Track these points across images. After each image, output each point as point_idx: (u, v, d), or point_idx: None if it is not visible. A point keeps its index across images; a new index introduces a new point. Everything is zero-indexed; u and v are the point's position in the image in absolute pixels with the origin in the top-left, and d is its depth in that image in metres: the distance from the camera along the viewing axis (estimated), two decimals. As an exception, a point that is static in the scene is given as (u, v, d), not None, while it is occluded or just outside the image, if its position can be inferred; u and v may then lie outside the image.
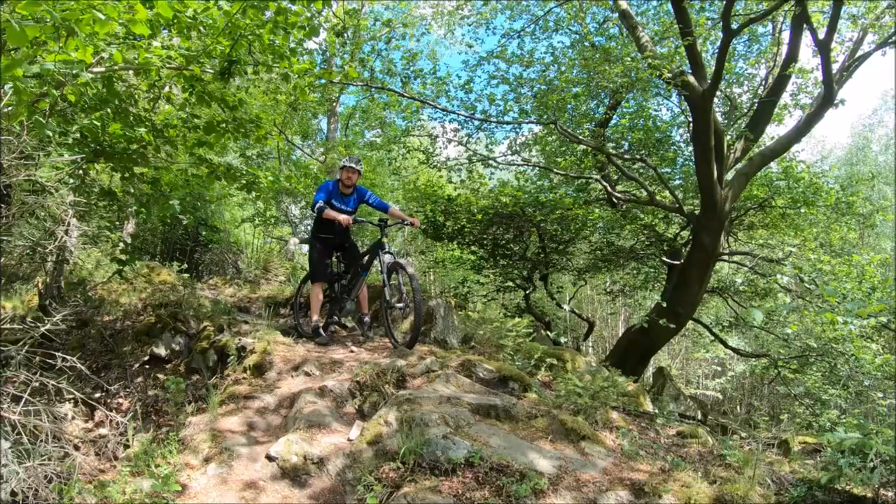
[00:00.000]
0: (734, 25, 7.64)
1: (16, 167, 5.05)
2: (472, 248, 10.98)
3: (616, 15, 10.89)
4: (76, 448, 6.20)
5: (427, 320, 7.63)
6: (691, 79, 8.46)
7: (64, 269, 9.36)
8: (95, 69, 5.03)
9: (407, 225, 7.54)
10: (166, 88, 6.45)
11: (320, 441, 4.47)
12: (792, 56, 9.45)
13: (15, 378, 7.07)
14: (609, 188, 10.52)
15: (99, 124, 5.44)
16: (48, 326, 5.57)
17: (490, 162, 11.47)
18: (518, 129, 11.50)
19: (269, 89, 9.99)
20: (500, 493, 3.54)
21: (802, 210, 10.23)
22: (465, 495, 3.52)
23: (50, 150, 5.84)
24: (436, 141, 11.62)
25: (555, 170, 10.56)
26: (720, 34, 8.43)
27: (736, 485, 3.84)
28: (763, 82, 11.15)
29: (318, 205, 7.21)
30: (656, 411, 6.57)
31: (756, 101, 10.71)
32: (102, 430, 6.49)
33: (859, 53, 9.76)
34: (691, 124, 9.68)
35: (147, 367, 7.40)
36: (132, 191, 6.98)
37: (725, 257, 10.98)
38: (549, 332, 9.83)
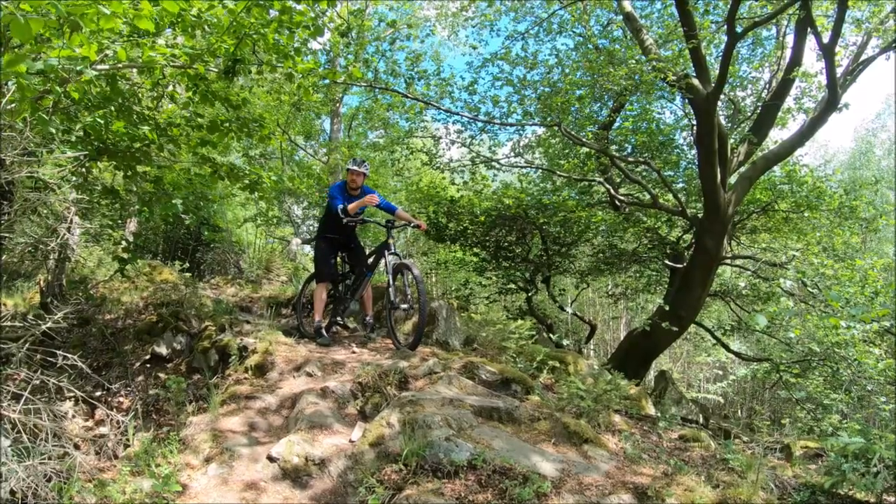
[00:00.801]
0: (738, 29, 7.61)
1: (18, 164, 5.04)
2: (475, 249, 10.95)
3: (620, 17, 10.86)
4: (76, 447, 6.16)
5: (429, 322, 7.59)
6: (695, 81, 8.43)
7: (66, 266, 9.34)
8: (99, 66, 5.00)
9: (413, 227, 7.52)
10: (170, 87, 6.42)
11: (322, 442, 4.44)
12: (796, 60, 9.43)
13: (16, 376, 7.07)
14: (612, 191, 10.49)
15: (102, 122, 5.41)
16: (49, 324, 5.56)
17: (493, 164, 11.44)
18: (521, 132, 11.48)
19: (273, 89, 9.98)
20: (503, 496, 3.51)
21: (805, 214, 10.20)
22: (468, 498, 3.49)
23: (53, 147, 5.83)
24: (439, 142, 11.60)
25: (558, 172, 10.53)
26: (724, 37, 8.43)
27: (739, 489, 3.82)
28: (767, 86, 11.13)
29: (340, 207, 7.18)
30: (658, 415, 6.53)
31: (760, 104, 10.69)
32: (103, 429, 6.45)
33: (863, 57, 9.74)
34: (695, 127, 9.66)
35: (148, 365, 7.37)
36: (135, 189, 6.97)
37: (728, 261, 10.94)
38: (551, 335, 9.80)
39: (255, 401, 5.43)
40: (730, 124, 10.94)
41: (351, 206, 7.18)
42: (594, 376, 7.00)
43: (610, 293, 13.19)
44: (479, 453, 3.80)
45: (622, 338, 15.37)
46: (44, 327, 5.38)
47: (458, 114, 10.10)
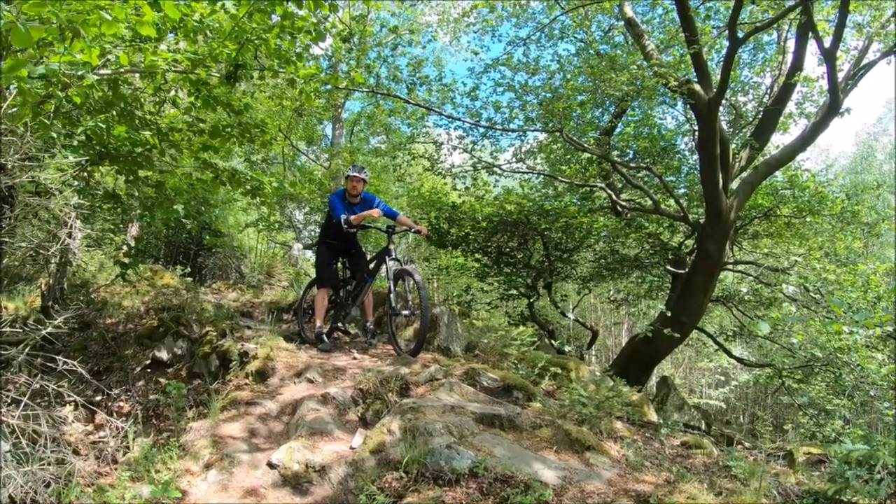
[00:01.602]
0: (740, 34, 7.60)
1: (19, 168, 5.02)
2: (477, 255, 10.92)
3: (621, 23, 10.86)
4: (76, 452, 6.14)
5: (431, 328, 7.56)
6: (697, 87, 8.42)
7: (67, 270, 9.33)
8: (101, 71, 5.00)
9: (414, 233, 7.50)
10: (172, 92, 6.41)
11: (322, 449, 4.41)
12: (797, 65, 9.41)
13: (15, 380, 7.06)
14: (614, 196, 10.47)
15: (104, 126, 5.41)
16: (49, 329, 5.53)
17: (495, 169, 11.43)
18: (523, 137, 11.49)
19: (275, 94, 9.98)
20: (505, 504, 3.48)
21: (808, 219, 10.17)
22: (469, 506, 3.46)
23: (54, 151, 5.82)
24: (441, 148, 11.60)
25: (560, 178, 10.51)
26: (726, 43, 8.41)
27: (742, 497, 3.79)
28: (768, 91, 11.11)
29: (343, 218, 7.14)
30: (660, 421, 6.51)
31: (761, 109, 10.68)
32: (102, 434, 6.43)
33: (865, 62, 9.71)
34: (696, 133, 9.66)
35: (149, 370, 7.35)
36: (136, 194, 6.95)
37: (730, 266, 10.92)
38: (552, 341, 9.77)
39: (255, 407, 5.41)
40: (731, 129, 10.92)
41: (354, 219, 7.15)
42: (596, 383, 6.97)
43: (612, 299, 13.16)
44: (481, 461, 3.77)
45: (624, 344, 15.35)
46: (44, 332, 5.34)
47: (459, 119, 10.10)
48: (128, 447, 5.58)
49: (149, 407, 6.62)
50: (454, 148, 11.31)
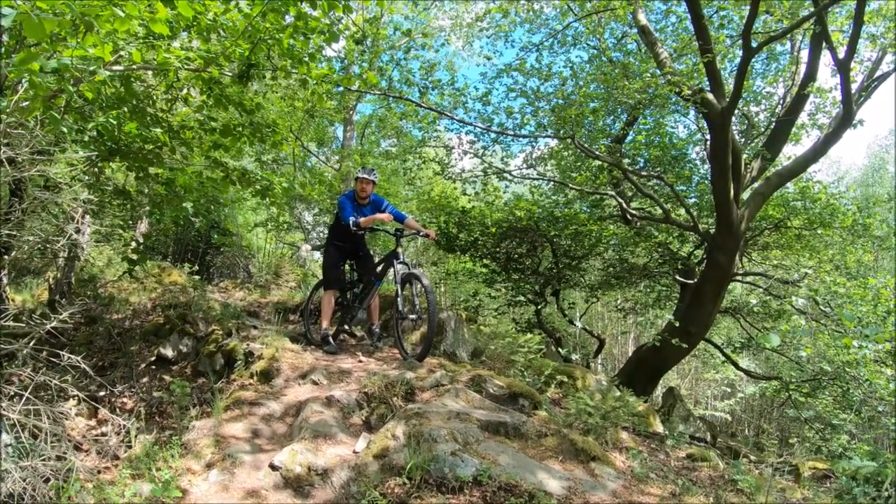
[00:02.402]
0: (754, 43, 7.52)
1: (29, 162, 5.00)
2: (485, 261, 10.86)
3: (634, 31, 10.80)
4: (77, 448, 6.12)
5: (437, 332, 7.50)
6: (710, 96, 8.35)
7: (75, 265, 9.34)
8: (114, 67, 4.97)
9: (422, 236, 7.44)
10: (185, 91, 6.38)
11: (325, 452, 4.35)
12: (810, 75, 9.33)
13: (19, 374, 7.04)
14: (624, 204, 10.40)
15: (115, 122, 5.37)
16: (54, 323, 5.51)
17: (505, 175, 11.37)
18: (534, 143, 11.42)
19: (287, 95, 9.94)
20: (509, 513, 3.42)
21: (819, 231, 10.06)
22: (473, 515, 3.40)
23: (65, 146, 5.80)
24: (451, 152, 11.55)
25: (570, 185, 10.45)
26: (739, 52, 8.35)
27: (750, 512, 3.71)
28: (781, 101, 11.03)
29: (352, 221, 7.10)
30: (666, 433, 6.43)
31: (774, 120, 10.59)
32: (105, 430, 6.40)
33: (878, 73, 9.61)
34: (708, 142, 9.58)
35: (153, 367, 7.33)
36: (146, 191, 6.92)
37: (739, 277, 10.82)
38: (560, 349, 9.70)
39: (259, 407, 5.36)
40: (743, 139, 10.83)
41: (363, 221, 7.10)
42: (602, 392, 6.90)
43: (619, 308, 13.05)
44: (485, 469, 3.71)
45: (630, 353, 15.25)
46: (48, 326, 5.31)
47: (471, 124, 10.05)
48: (130, 444, 5.54)
49: (152, 404, 6.59)
50: (465, 153, 11.27)
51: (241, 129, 6.19)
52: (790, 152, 11.48)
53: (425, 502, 3.48)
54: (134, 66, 5.21)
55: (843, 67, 7.91)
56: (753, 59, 9.44)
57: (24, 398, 4.49)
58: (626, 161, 10.37)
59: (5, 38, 4.75)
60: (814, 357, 9.52)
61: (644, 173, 10.19)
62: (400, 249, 7.09)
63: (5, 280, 8.15)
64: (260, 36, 5.30)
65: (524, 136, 10.30)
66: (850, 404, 8.38)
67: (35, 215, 6.84)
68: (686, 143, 11.36)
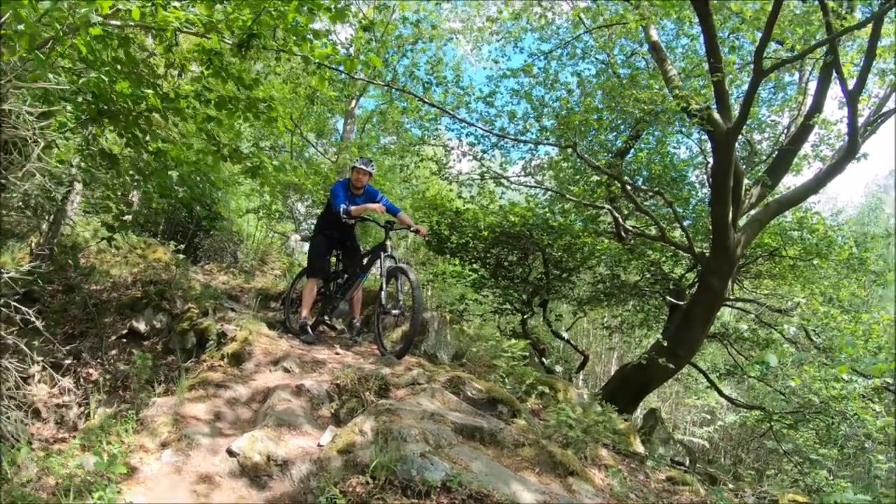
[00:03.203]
0: (765, 66, 7.29)
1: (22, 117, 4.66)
2: (475, 265, 10.53)
3: (644, 48, 10.58)
4: (37, 413, 5.82)
5: (420, 332, 7.20)
6: (716, 115, 8.10)
7: (59, 231, 9.02)
8: (112, 22, 4.66)
9: (413, 231, 7.14)
10: (183, 62, 6.06)
11: (288, 442, 4.04)
12: (817, 107, 9.12)
13: None
14: (620, 219, 10.12)
15: (106, 80, 5.04)
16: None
17: (502, 181, 11.08)
18: (535, 151, 11.13)
19: (289, 79, 9.57)
20: (477, 524, 3.11)
21: (815, 262, 9.79)
22: (437, 523, 3.09)
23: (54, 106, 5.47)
24: (450, 153, 11.24)
25: (567, 196, 10.16)
26: (746, 79, 8.06)
27: (734, 545, 3.42)
28: (785, 131, 10.80)
29: (343, 208, 6.78)
30: (647, 453, 6.16)
31: (777, 148, 10.36)
32: (67, 399, 6.13)
33: (885, 109, 9.38)
34: (709, 165, 9.34)
35: (124, 341, 7.01)
36: (135, 157, 6.57)
37: (730, 302, 10.54)
38: (543, 360, 9.38)
39: (225, 390, 5.05)
40: (745, 166, 10.58)
41: (354, 210, 6.80)
42: (584, 406, 6.62)
43: (606, 325, 12.72)
44: (456, 475, 3.40)
45: (613, 372, 14.95)
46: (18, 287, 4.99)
47: (472, 124, 9.73)
48: (89, 415, 5.24)
49: (117, 377, 6.28)
50: (464, 154, 10.98)
51: (235, 102, 5.86)
52: (789, 182, 11.30)
53: (388, 505, 3.17)
54: (131, 24, 4.90)
55: (852, 98, 7.67)
56: (760, 88, 9.22)
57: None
58: (625, 178, 10.09)
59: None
60: (799, 389, 9.24)
61: (645, 188, 9.90)
62: (388, 242, 6.79)
63: (-13, 241, 7.86)
64: (264, 6, 5.00)
65: (525, 142, 10.00)
66: (833, 439, 8.11)
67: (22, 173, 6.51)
68: (686, 165, 11.11)
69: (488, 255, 10.26)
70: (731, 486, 8.32)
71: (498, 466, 3.82)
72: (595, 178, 10.82)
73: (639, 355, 9.18)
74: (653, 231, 9.86)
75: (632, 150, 10.54)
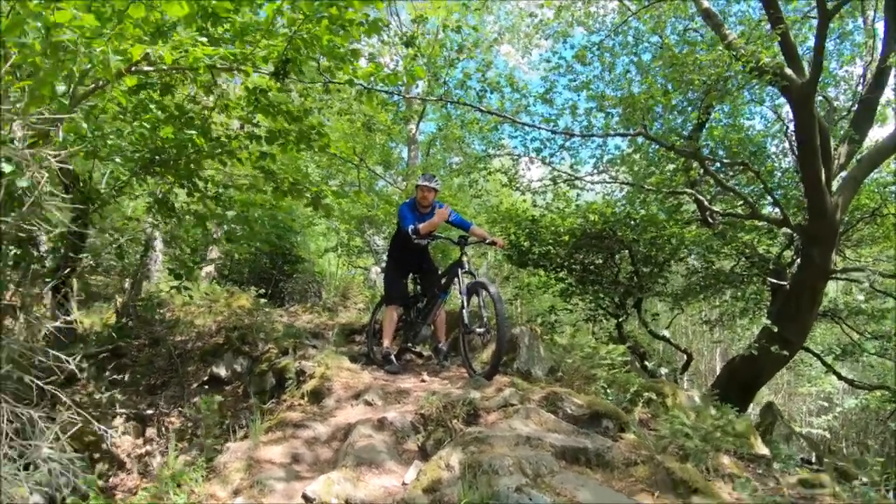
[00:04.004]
0: (829, 4, 6.44)
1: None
2: (560, 273, 9.84)
3: (698, 22, 9.84)
4: (122, 465, 5.72)
5: (510, 349, 6.56)
6: (789, 71, 7.25)
7: (142, 288, 9.01)
8: (145, 68, 4.38)
9: (489, 244, 6.56)
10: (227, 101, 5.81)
11: (368, 483, 3.53)
12: (890, 46, 8.12)
13: (81, 390, 6.58)
14: (704, 202, 9.23)
15: (149, 127, 4.78)
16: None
17: (576, 182, 10.40)
18: (604, 146, 10.43)
19: (341, 110, 9.23)
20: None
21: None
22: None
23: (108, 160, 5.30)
24: (518, 161, 10.66)
25: (645, 186, 9.38)
26: (808, 33, 7.16)
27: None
28: (861, 80, 9.72)
29: (411, 228, 6.30)
30: (771, 454, 5.34)
31: (856, 100, 9.35)
32: (150, 448, 5.97)
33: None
34: (789, 130, 8.47)
35: (206, 387, 6.76)
36: (200, 208, 6.35)
37: (837, 275, 9.42)
38: (645, 364, 8.57)
39: (303, 429, 4.60)
40: (827, 124, 9.58)
41: (422, 227, 6.29)
42: (697, 409, 5.85)
43: (705, 319, 11.67)
44: (560, 509, 2.78)
45: (718, 369, 13.83)
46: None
47: (534, 126, 9.15)
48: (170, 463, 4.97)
49: (196, 424, 5.99)
50: (531, 161, 10.38)
51: (286, 134, 5.52)
52: (877, 135, 10.19)
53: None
54: (164, 67, 4.61)
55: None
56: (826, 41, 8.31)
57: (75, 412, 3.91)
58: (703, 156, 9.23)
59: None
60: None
61: (728, 161, 8.99)
62: (465, 258, 6.23)
63: (74, 304, 7.85)
64: (295, 29, 4.61)
65: (592, 136, 9.32)
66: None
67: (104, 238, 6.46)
68: (764, 136, 10.14)
69: (572, 260, 9.55)
70: (865, 479, 7.33)
71: (609, 492, 3.18)
72: (671, 166, 9.99)
73: (747, 346, 8.23)
74: (742, 209, 8.96)
75: (704, 128, 9.67)
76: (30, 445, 3.47)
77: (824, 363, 10.18)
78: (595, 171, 10.65)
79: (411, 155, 15.65)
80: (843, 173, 8.89)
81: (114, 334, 7.05)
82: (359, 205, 11.83)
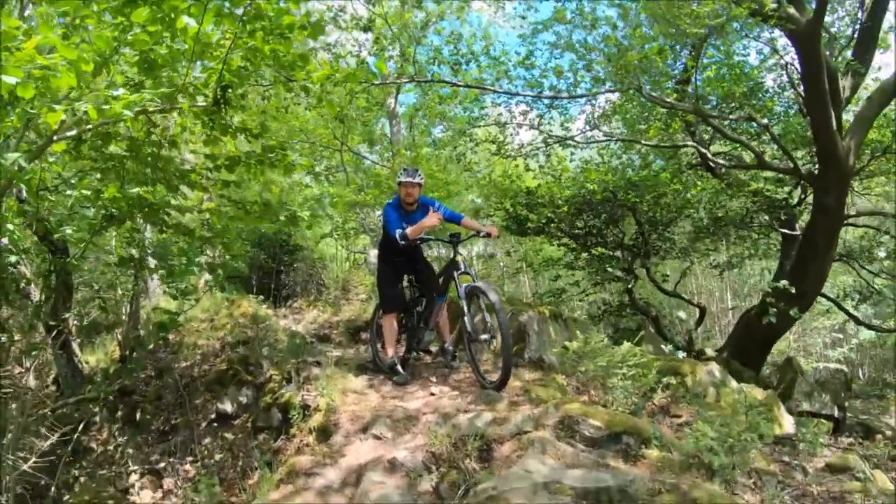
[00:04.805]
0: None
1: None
2: (563, 240, 9.44)
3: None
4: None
5: (519, 339, 6.34)
6: (791, 10, 6.72)
7: (140, 316, 8.76)
8: (68, 133, 3.98)
9: (483, 236, 6.20)
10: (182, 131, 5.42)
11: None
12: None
13: (97, 438, 6.69)
14: (708, 155, 8.77)
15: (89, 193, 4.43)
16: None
17: (568, 142, 9.92)
18: (593, 101, 9.92)
19: (310, 105, 8.74)
20: None
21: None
22: None
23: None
24: (505, 128, 10.16)
25: (641, 141, 8.91)
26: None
27: None
28: (860, 4, 9.05)
29: (399, 233, 5.86)
30: (796, 435, 5.10)
31: (856, 27, 8.76)
32: (168, 502, 5.79)
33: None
34: (790, 66, 8.10)
35: (215, 424, 6.49)
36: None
37: (852, 220, 9.01)
38: (661, 333, 8.26)
39: (315, 478, 4.35)
40: (828, 52, 9.00)
41: (410, 231, 5.86)
42: (716, 386, 5.59)
43: (714, 264, 11.26)
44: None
45: (733, 323, 13.51)
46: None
47: (518, 94, 8.65)
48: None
49: (212, 469, 5.75)
50: (519, 126, 9.89)
51: (248, 157, 5.13)
52: (879, 61, 9.58)
53: None
54: (88, 128, 4.20)
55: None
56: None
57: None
58: (701, 107, 8.70)
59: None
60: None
61: (733, 117, 8.48)
62: (459, 258, 5.85)
63: (75, 345, 7.63)
64: (227, 49, 4.14)
65: (581, 96, 8.82)
66: None
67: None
68: (760, 71, 9.59)
69: (574, 227, 9.14)
70: (889, 433, 7.17)
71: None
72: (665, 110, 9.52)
73: (762, 309, 7.87)
74: (747, 159, 8.50)
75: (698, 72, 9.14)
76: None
77: (842, 309, 9.84)
78: (587, 127, 10.15)
79: (394, 130, 15.08)
80: (849, 107, 8.41)
81: (121, 374, 6.84)
82: (348, 191, 11.46)
